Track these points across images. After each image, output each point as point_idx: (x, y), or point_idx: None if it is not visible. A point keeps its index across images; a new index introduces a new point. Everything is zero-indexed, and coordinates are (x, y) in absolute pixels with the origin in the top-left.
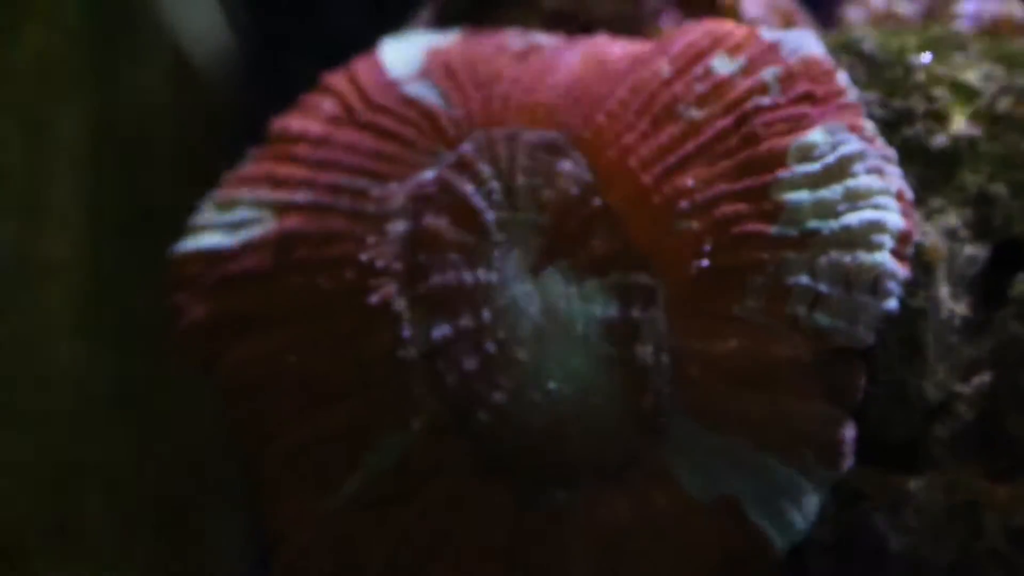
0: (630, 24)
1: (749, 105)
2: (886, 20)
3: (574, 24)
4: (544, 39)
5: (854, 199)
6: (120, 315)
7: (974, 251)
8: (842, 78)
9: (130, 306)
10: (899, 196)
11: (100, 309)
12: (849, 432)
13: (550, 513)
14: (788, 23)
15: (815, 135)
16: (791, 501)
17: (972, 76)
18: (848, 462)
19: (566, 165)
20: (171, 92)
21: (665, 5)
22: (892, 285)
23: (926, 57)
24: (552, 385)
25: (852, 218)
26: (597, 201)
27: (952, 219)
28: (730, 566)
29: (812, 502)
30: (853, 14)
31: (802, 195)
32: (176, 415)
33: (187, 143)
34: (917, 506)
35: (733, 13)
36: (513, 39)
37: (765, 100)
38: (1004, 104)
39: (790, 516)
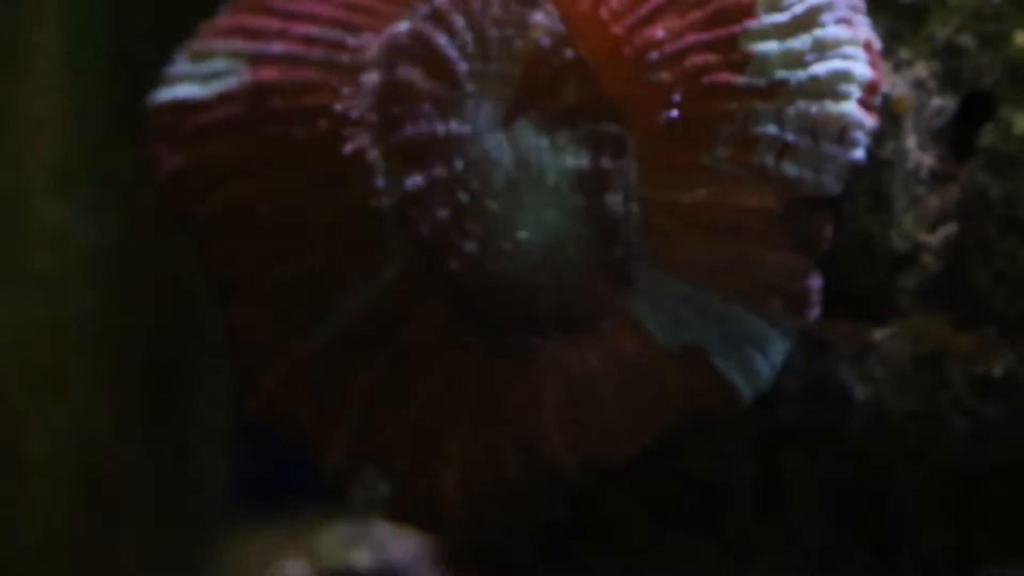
0: None
1: None
2: None
3: None
4: None
5: (822, 49)
6: (102, 173)
7: (942, 102)
8: None
9: (113, 164)
10: (867, 46)
11: (81, 166)
12: (815, 282)
13: (521, 360)
14: None
15: None
16: (758, 349)
17: None
18: (814, 312)
19: (538, 16)
20: None
21: None
22: (859, 135)
23: None
24: (523, 235)
25: (820, 68)
26: (569, 52)
27: (920, 70)
28: (697, 412)
29: (778, 351)
30: None
31: (770, 45)
32: (161, 273)
33: None
34: (882, 356)
35: None
36: None
37: None
38: None
39: (757, 364)
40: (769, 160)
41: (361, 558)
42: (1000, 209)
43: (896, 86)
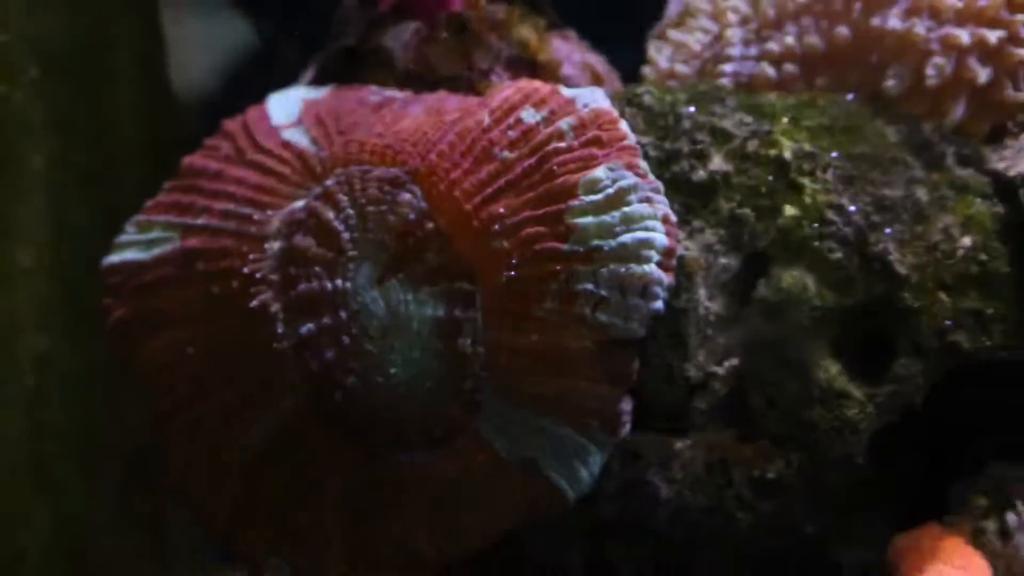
0: (466, 82)
1: (549, 148)
2: (669, 78)
3: (422, 82)
4: (397, 94)
5: (628, 222)
6: (82, 311)
7: (727, 261)
8: (623, 125)
9: (92, 302)
10: (665, 219)
11: (63, 305)
12: (626, 406)
13: (394, 471)
14: (597, 81)
15: (599, 172)
16: (580, 461)
17: (728, 123)
18: (625, 430)
19: (406, 196)
20: (136, 125)
21: (495, 65)
22: (658, 290)
23: (691, 108)
24: (393, 371)
25: (627, 237)
26: (430, 224)
27: (710, 236)
28: (532, 511)
29: (597, 461)
30: (647, 72)
31: (588, 219)
32: (135, 389)
33: (147, 170)
34: (682, 462)
35: (553, 72)
36: (372, 94)
37: (562, 144)
38: (752, 145)
39: (579, 472)
40: (587, 311)
41: None
42: (770, 348)
43: (690, 249)
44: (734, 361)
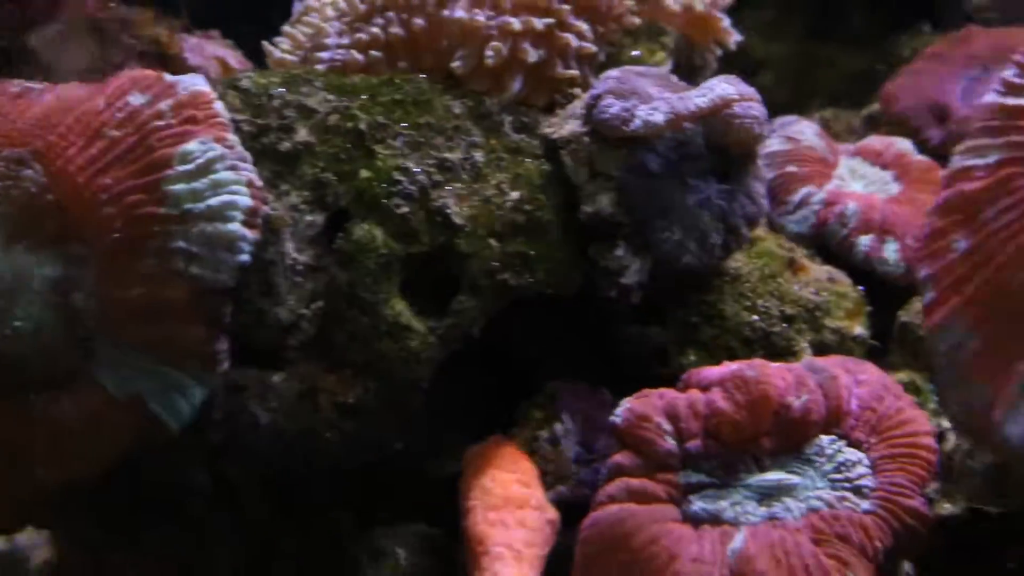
0: (100, 74)
1: (150, 126)
2: (280, 66)
3: (60, 75)
4: (36, 85)
5: (216, 187)
6: None
7: (312, 219)
8: (218, 105)
9: None
10: (249, 184)
11: None
12: (222, 346)
13: (20, 409)
14: (227, 71)
15: (192, 145)
16: (181, 395)
17: (312, 101)
18: (223, 366)
19: (28, 172)
20: None
21: (128, 60)
22: (243, 245)
23: (282, 89)
24: (17, 324)
25: (214, 200)
26: (49, 196)
27: (295, 198)
28: (142, 439)
29: (197, 395)
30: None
31: (181, 186)
32: None
33: None
34: (278, 393)
35: (182, 64)
36: (13, 86)
37: (161, 122)
38: (333, 119)
39: (180, 405)
40: (182, 265)
41: None
42: (347, 290)
43: (277, 209)
44: (320, 304)
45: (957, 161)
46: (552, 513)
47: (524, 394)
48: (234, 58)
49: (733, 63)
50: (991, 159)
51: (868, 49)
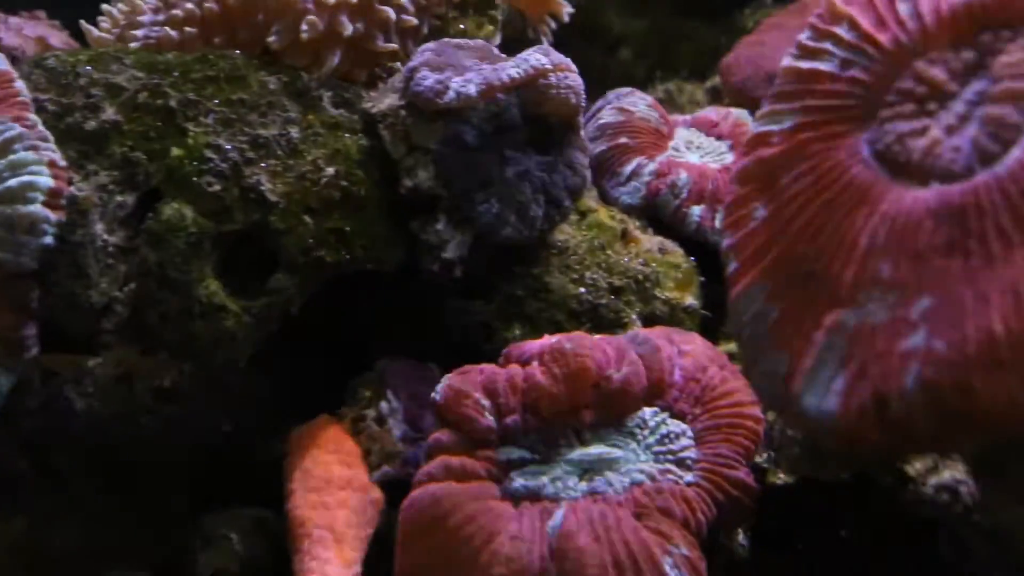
0: None
1: None
2: (97, 44)
3: None
4: None
5: (14, 168)
6: None
7: (123, 199)
8: (19, 84)
9: None
10: (51, 164)
11: None
12: (30, 331)
13: None
14: (46, 49)
15: None
16: None
17: (121, 79)
18: (32, 352)
19: None
20: None
21: None
22: (45, 227)
23: (89, 67)
24: None
25: (12, 182)
26: None
27: (104, 178)
28: None
29: (4, 383)
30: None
31: None
32: None
33: None
34: (95, 378)
35: None
36: None
37: None
38: (142, 97)
39: None
40: None
41: None
42: (158, 271)
43: (83, 190)
44: (133, 286)
45: (756, 127)
46: (376, 493)
47: (358, 373)
48: (58, 38)
49: (594, 40)
50: (787, 124)
51: (722, 23)
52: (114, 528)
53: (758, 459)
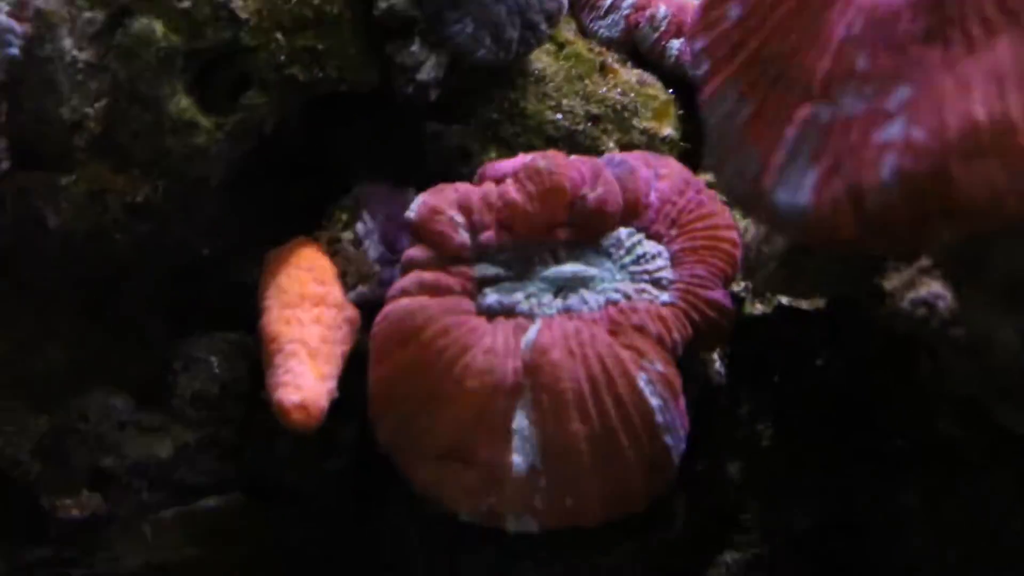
0: None
1: None
2: None
3: None
4: None
5: None
6: None
7: (92, 15)
8: None
9: None
10: None
11: None
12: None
13: None
14: None
15: None
16: None
17: None
18: (3, 166)
19: None
20: None
21: None
22: (11, 38)
23: None
24: None
25: None
26: None
27: None
28: None
29: None
30: None
31: None
32: None
33: None
34: (68, 195)
35: None
36: None
37: None
38: None
39: None
40: None
41: None
42: (128, 87)
43: (48, 2)
44: (104, 102)
45: None
46: (351, 312)
47: (335, 200)
48: None
49: None
50: None
51: None
52: (94, 351)
53: (735, 288)
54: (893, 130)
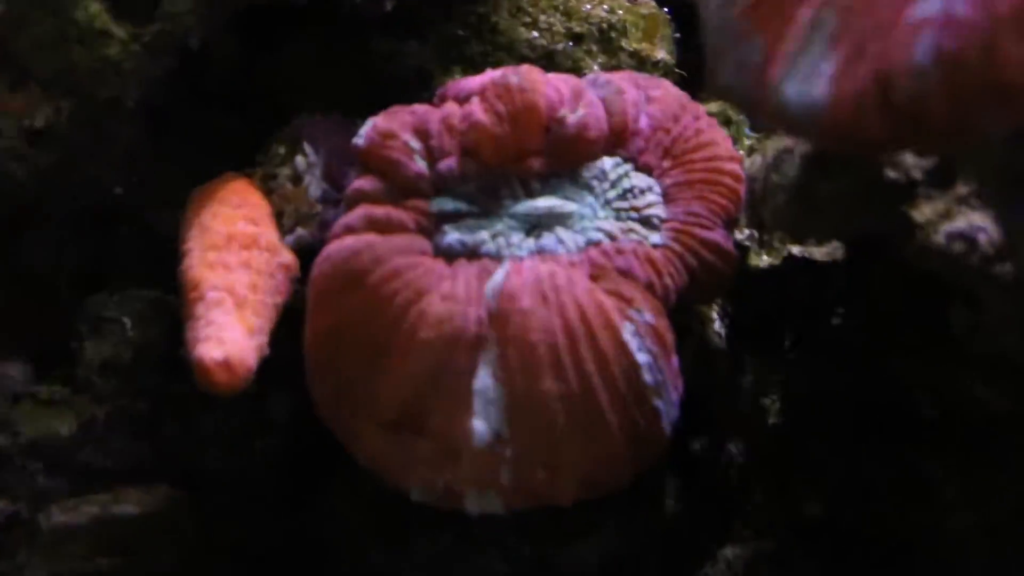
0: None
1: None
2: None
3: None
4: None
5: None
6: None
7: None
8: None
9: None
10: None
11: None
12: None
13: None
14: None
15: None
16: None
17: None
18: None
19: None
20: None
21: None
22: None
23: None
24: None
25: None
26: None
27: None
28: None
29: None
30: None
31: None
32: None
33: None
34: None
35: None
36: None
37: None
38: None
39: None
40: None
41: None
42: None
43: None
44: (1, 6)
45: None
46: (287, 257)
47: (271, 134)
48: None
49: None
50: None
51: None
52: None
53: (738, 235)
54: (930, 4)
